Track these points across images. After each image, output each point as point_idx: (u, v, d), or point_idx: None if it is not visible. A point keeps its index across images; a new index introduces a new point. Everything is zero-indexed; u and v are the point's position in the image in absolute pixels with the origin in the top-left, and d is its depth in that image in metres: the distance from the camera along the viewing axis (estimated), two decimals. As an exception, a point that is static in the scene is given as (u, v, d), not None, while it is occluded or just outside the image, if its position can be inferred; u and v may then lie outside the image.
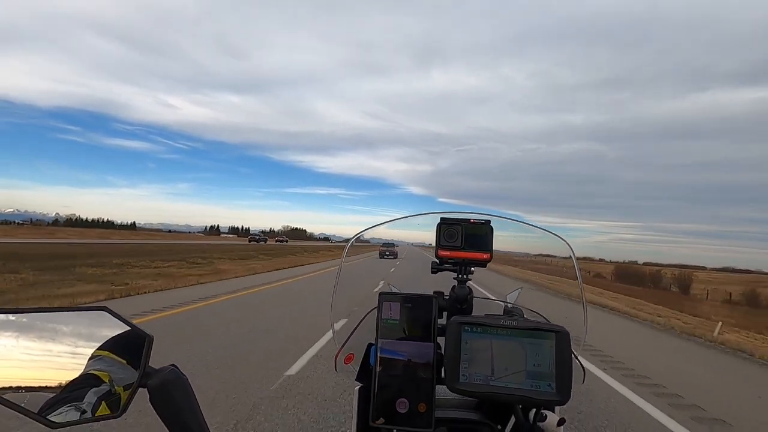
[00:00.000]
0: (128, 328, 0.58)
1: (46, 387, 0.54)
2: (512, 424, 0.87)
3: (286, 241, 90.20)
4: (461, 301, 0.89)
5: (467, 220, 0.91)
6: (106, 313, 0.58)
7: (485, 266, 0.92)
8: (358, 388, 0.89)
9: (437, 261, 0.93)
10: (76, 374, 0.55)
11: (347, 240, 1.11)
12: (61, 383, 0.54)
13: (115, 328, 0.58)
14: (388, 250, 33.81)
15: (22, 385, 0.53)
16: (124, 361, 0.57)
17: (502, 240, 0.92)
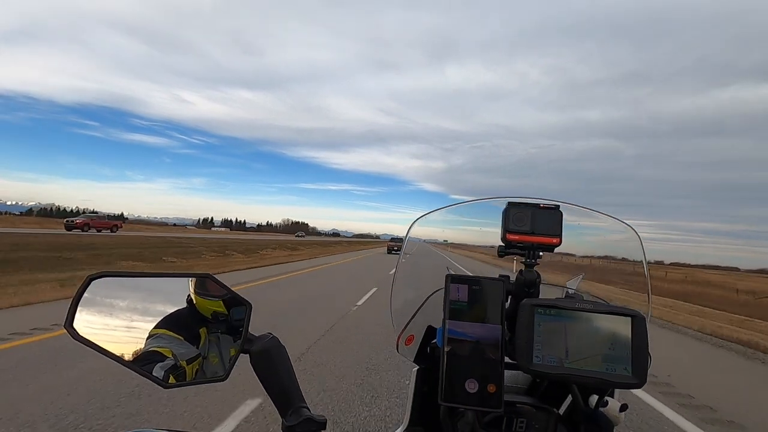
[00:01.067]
0: (230, 294, 0.62)
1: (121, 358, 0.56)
2: (567, 407, 0.87)
3: (303, 236, 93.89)
4: (529, 285, 0.89)
5: (536, 205, 0.90)
6: (209, 280, 0.62)
7: (553, 251, 0.91)
8: (416, 369, 0.90)
9: (503, 244, 0.92)
10: (136, 350, 0.57)
11: (358, 236, 1.11)
12: (126, 356, 0.56)
13: (217, 294, 0.61)
14: (396, 245, 35.34)
15: (129, 347, 0.57)
16: (181, 338, 0.60)
17: (571, 228, 0.91)
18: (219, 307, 0.62)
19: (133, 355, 0.56)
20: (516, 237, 0.90)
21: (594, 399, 0.83)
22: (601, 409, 0.79)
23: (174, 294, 0.61)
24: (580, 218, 0.93)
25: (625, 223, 0.92)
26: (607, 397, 0.79)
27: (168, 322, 0.60)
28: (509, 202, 0.91)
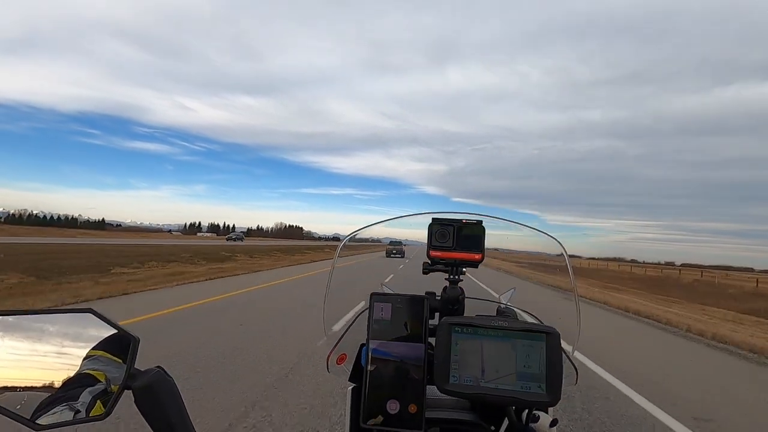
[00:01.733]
0: (114, 330, 0.61)
1: (40, 388, 0.55)
2: (506, 425, 0.86)
3: (241, 240, 77.53)
4: (453, 302, 0.90)
5: (459, 221, 0.91)
6: (91, 315, 0.60)
7: (477, 267, 0.92)
8: (351, 388, 0.90)
9: (429, 261, 0.93)
10: (71, 374, 0.56)
11: (360, 240, 1.12)
12: (56, 384, 0.55)
13: (101, 330, 0.60)
14: (396, 248, 33.76)
15: (18, 385, 0.54)
16: (120, 360, 0.58)
17: (496, 238, 0.92)
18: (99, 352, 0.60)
19: (64, 378, 0.55)
20: (439, 254, 0.91)
21: (525, 415, 0.82)
22: (532, 424, 0.78)
23: (57, 329, 0.60)
24: (504, 231, 0.93)
25: (549, 235, 0.92)
26: (538, 412, 0.78)
27: (107, 343, 0.59)
28: (433, 218, 0.92)
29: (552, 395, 0.71)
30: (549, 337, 0.73)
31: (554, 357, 0.73)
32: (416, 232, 1.04)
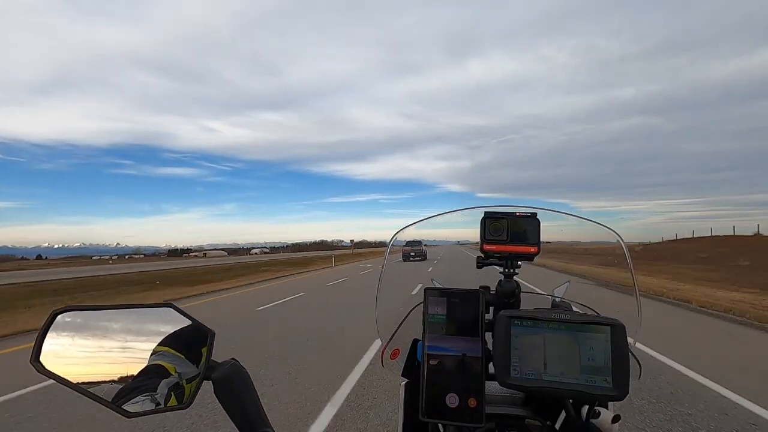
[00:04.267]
0: (190, 323, 0.65)
1: (115, 379, 0.60)
2: (563, 419, 0.86)
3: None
4: (508, 296, 0.90)
5: (513, 214, 0.91)
6: (171, 309, 0.65)
7: (532, 260, 0.91)
8: (404, 383, 0.91)
9: (482, 255, 0.93)
10: (142, 366, 0.61)
11: (379, 243, 1.13)
12: (128, 375, 0.60)
13: (179, 324, 0.64)
14: (414, 250, 27.68)
15: (95, 378, 0.59)
16: (183, 356, 0.63)
17: (551, 231, 0.91)
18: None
19: (138, 369, 0.60)
20: (493, 247, 0.91)
21: (585, 410, 0.82)
22: (593, 420, 0.78)
23: (138, 325, 0.64)
24: (560, 224, 0.93)
25: (609, 228, 0.91)
26: (599, 408, 0.77)
27: (171, 340, 0.64)
28: (485, 212, 0.92)
29: (620, 389, 0.71)
30: (614, 329, 0.73)
31: (620, 349, 0.72)
32: (442, 231, 1.04)
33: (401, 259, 28.47)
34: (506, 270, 0.92)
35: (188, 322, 0.64)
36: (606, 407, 0.80)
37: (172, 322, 0.64)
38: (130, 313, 0.65)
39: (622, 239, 0.92)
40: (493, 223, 0.91)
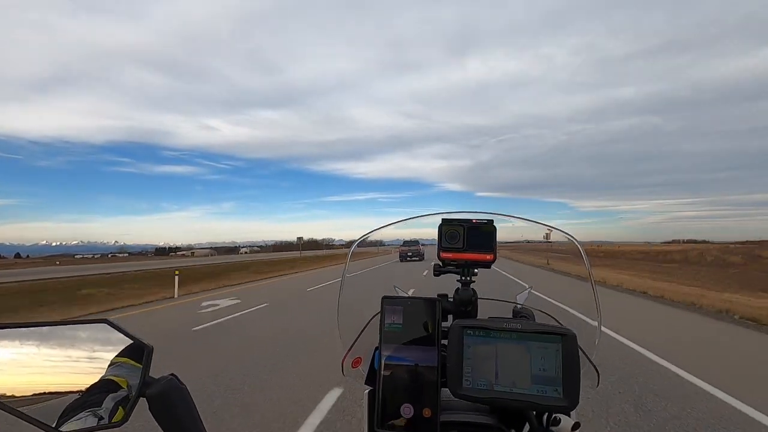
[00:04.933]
0: (130, 340, 0.63)
1: (66, 393, 0.58)
2: (527, 429, 0.86)
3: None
4: (465, 304, 0.90)
5: (469, 221, 0.91)
6: (107, 325, 0.63)
7: (489, 267, 0.91)
8: (367, 391, 0.91)
9: (440, 263, 0.93)
10: (95, 380, 0.60)
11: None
12: (80, 390, 0.59)
13: (116, 339, 0.63)
14: (411, 250, 27.31)
15: (42, 393, 0.58)
16: (141, 366, 0.61)
17: (509, 234, 0.91)
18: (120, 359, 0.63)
19: (88, 384, 0.59)
20: (450, 255, 0.91)
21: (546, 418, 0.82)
22: (553, 428, 0.78)
23: (74, 341, 0.63)
24: (518, 230, 0.93)
25: (563, 232, 0.91)
26: (560, 415, 0.78)
27: (132, 351, 0.62)
28: (442, 219, 0.92)
29: (569, 399, 0.71)
30: (565, 338, 0.73)
31: (571, 359, 0.72)
32: (435, 231, 1.03)
33: (398, 259, 27.42)
34: (463, 278, 0.92)
35: (124, 338, 0.63)
36: (568, 414, 0.81)
37: (108, 338, 0.63)
38: (65, 330, 0.64)
39: (579, 244, 0.92)
40: (450, 230, 0.91)
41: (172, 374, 0.64)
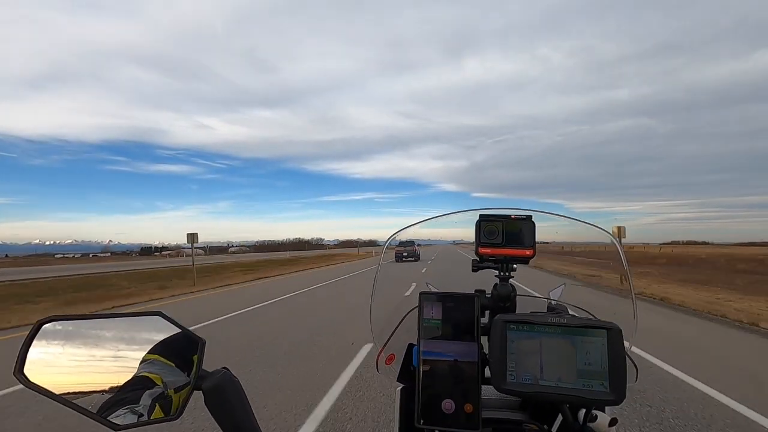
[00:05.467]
0: (180, 331, 0.63)
1: (103, 390, 0.58)
2: (559, 423, 0.87)
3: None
4: (504, 300, 0.90)
5: (508, 216, 0.91)
6: (160, 318, 0.63)
7: (528, 263, 0.92)
8: (400, 388, 0.91)
9: (477, 259, 0.93)
10: (128, 377, 0.60)
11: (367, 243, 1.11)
12: (116, 385, 0.59)
13: (169, 332, 0.63)
14: (407, 250, 27.60)
15: (82, 389, 0.58)
16: (173, 365, 0.62)
17: (545, 232, 0.92)
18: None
19: (124, 380, 0.59)
20: (488, 251, 0.91)
21: (582, 414, 0.82)
22: (590, 424, 0.79)
23: (127, 334, 0.63)
24: (555, 226, 0.93)
25: (604, 230, 0.92)
26: (597, 412, 0.78)
27: (162, 348, 0.62)
28: (480, 215, 0.92)
29: (616, 393, 0.71)
30: (610, 332, 0.73)
31: (617, 353, 0.72)
32: (436, 231, 1.04)
33: (393, 259, 27.57)
34: (502, 273, 0.92)
35: (178, 331, 0.63)
36: (603, 410, 0.81)
37: (161, 331, 0.63)
38: (118, 322, 0.64)
39: (617, 240, 0.93)
40: (488, 225, 0.91)
41: (225, 367, 0.64)
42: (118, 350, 0.61)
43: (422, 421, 0.77)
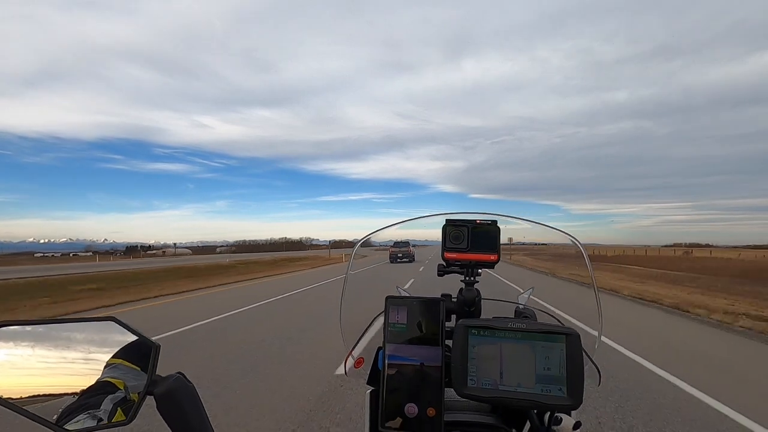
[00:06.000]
0: (135, 337, 0.63)
1: (63, 395, 0.58)
2: (528, 428, 0.87)
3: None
4: (469, 304, 0.91)
5: (473, 221, 0.92)
6: (113, 323, 0.63)
7: (493, 267, 0.93)
8: (369, 392, 0.91)
9: (444, 263, 0.94)
10: (91, 382, 0.60)
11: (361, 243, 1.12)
12: (77, 391, 0.59)
13: (123, 338, 0.63)
14: (401, 251, 28.15)
15: (40, 393, 0.58)
16: (138, 368, 0.62)
17: (515, 234, 0.93)
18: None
19: (85, 386, 0.58)
20: (453, 255, 0.92)
21: (548, 417, 0.84)
22: (555, 427, 0.79)
23: (82, 339, 0.62)
24: (521, 229, 0.95)
25: (567, 234, 0.93)
26: (561, 415, 0.79)
27: (126, 352, 0.62)
28: (446, 220, 0.93)
29: (574, 398, 0.72)
30: (569, 338, 0.75)
31: (575, 359, 0.74)
32: (432, 232, 1.04)
33: (388, 260, 27.52)
34: (467, 278, 0.93)
35: (132, 336, 0.62)
36: (569, 414, 0.82)
37: (115, 337, 0.62)
38: (71, 328, 0.63)
39: (581, 246, 0.94)
40: (454, 230, 0.92)
41: (179, 373, 0.63)
42: (79, 355, 0.61)
43: (385, 425, 0.78)
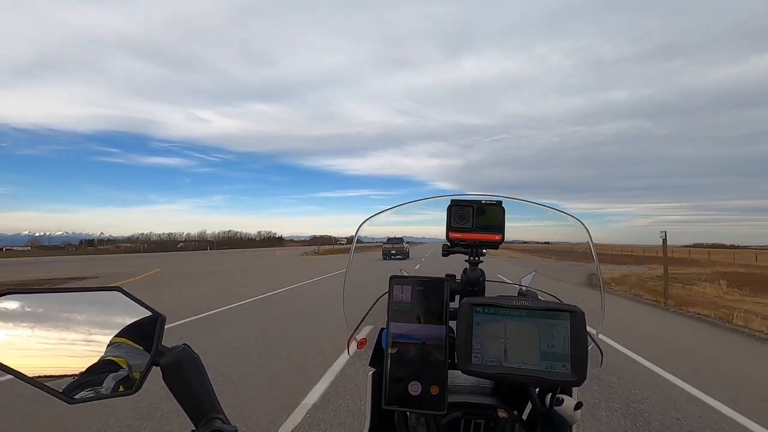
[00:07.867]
0: (140, 307, 0.63)
1: (66, 371, 0.58)
2: (529, 408, 0.88)
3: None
4: (473, 284, 0.92)
5: (478, 201, 0.93)
6: (119, 293, 0.63)
7: (497, 248, 0.94)
8: (371, 373, 0.92)
9: (448, 243, 0.94)
10: (94, 359, 0.60)
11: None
12: (80, 368, 0.59)
13: (128, 308, 0.63)
14: (395, 247, 26.54)
15: (43, 369, 0.57)
16: (141, 347, 0.62)
17: (517, 220, 0.93)
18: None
19: (88, 363, 0.58)
20: (458, 235, 0.93)
21: (549, 398, 0.84)
22: (556, 407, 0.81)
23: (88, 310, 0.63)
24: (525, 212, 0.95)
25: (571, 215, 0.94)
26: (563, 396, 0.80)
27: (129, 331, 0.62)
28: (452, 200, 0.94)
29: (578, 374, 0.74)
30: (573, 315, 0.76)
31: (579, 336, 0.75)
32: (428, 229, 1.04)
33: (381, 257, 27.37)
34: (471, 258, 0.94)
35: (137, 307, 0.63)
36: (570, 394, 0.83)
37: (120, 307, 0.63)
38: (75, 297, 0.63)
39: (587, 228, 0.95)
40: (459, 211, 0.94)
41: (184, 344, 0.64)
42: (83, 329, 0.61)
43: (389, 403, 0.79)
